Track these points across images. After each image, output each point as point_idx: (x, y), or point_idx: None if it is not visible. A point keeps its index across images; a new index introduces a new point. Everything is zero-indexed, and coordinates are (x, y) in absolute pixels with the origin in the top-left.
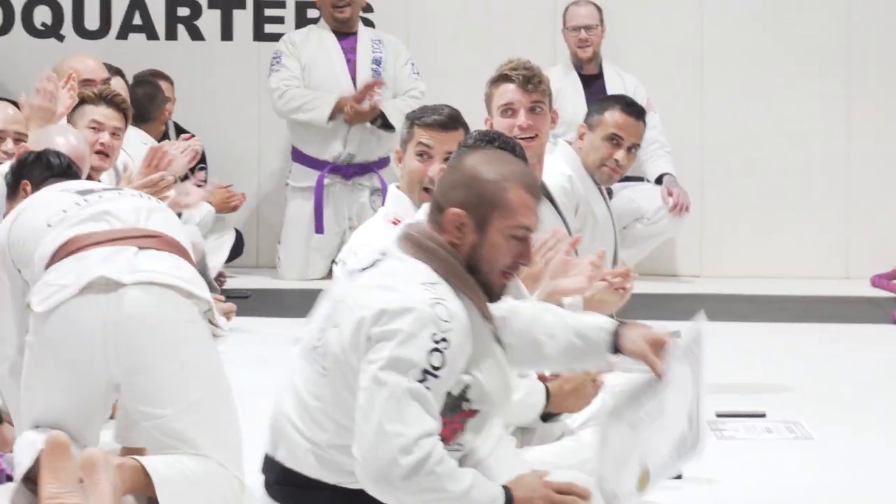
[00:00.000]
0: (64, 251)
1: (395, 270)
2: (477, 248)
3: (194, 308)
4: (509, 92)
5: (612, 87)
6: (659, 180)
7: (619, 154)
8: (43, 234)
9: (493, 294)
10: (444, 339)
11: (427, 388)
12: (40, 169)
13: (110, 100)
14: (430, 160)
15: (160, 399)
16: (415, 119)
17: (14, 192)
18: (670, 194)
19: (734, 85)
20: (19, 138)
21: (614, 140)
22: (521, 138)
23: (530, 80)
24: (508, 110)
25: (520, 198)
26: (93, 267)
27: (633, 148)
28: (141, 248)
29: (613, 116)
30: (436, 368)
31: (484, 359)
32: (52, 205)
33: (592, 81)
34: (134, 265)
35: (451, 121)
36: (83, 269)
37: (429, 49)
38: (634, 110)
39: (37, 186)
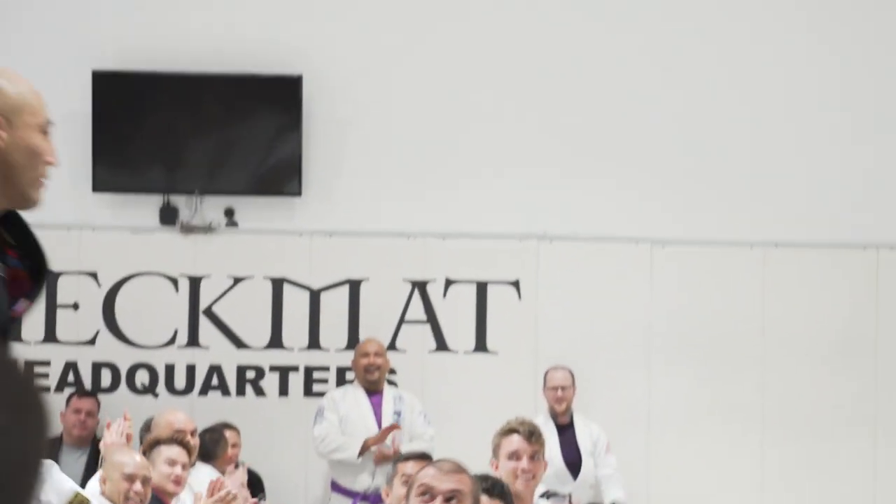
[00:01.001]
0: None
1: None
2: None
3: None
4: (515, 442)
5: (581, 433)
6: None
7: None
8: None
9: None
10: None
11: None
12: None
13: (179, 441)
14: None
15: None
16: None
17: None
18: None
19: (674, 441)
20: (146, 481)
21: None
22: (523, 478)
23: (533, 433)
24: (514, 456)
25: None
26: None
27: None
28: None
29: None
30: None
31: None
32: None
33: (565, 429)
34: None
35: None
36: None
37: (443, 403)
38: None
39: None
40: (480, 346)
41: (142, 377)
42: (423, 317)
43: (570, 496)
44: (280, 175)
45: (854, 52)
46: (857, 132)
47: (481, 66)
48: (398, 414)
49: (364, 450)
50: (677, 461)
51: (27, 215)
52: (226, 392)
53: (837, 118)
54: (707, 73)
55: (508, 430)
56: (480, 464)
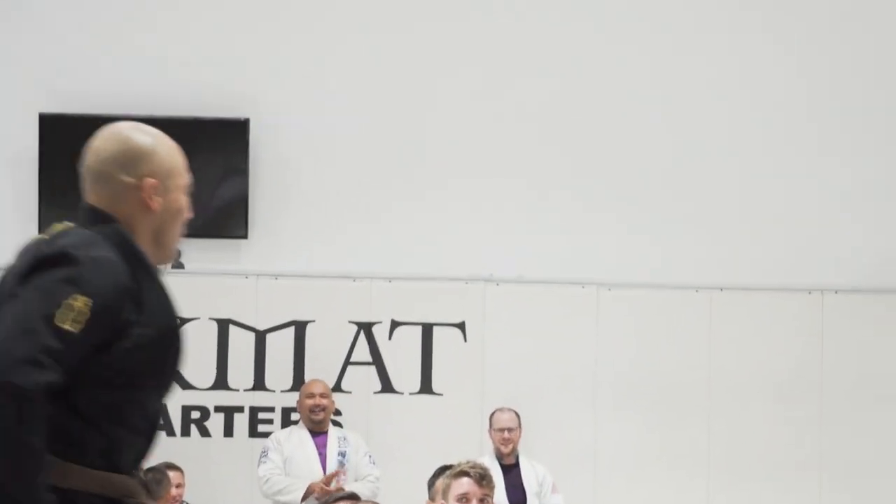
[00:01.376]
0: None
1: None
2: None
3: None
4: (466, 484)
5: (527, 474)
6: None
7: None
8: None
9: None
10: None
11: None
12: None
13: None
14: None
15: None
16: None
17: None
18: None
19: (621, 484)
20: None
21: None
22: None
23: (484, 477)
24: (463, 499)
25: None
26: None
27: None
28: None
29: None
30: None
31: None
32: None
33: (511, 470)
34: None
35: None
36: None
37: (388, 444)
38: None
39: None
40: (426, 387)
41: None
42: (369, 358)
43: None
44: (227, 217)
45: (796, 93)
46: (802, 175)
47: (425, 110)
48: (343, 455)
49: (307, 494)
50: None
51: None
52: (171, 433)
53: (782, 161)
54: (649, 119)
55: (460, 473)
56: None
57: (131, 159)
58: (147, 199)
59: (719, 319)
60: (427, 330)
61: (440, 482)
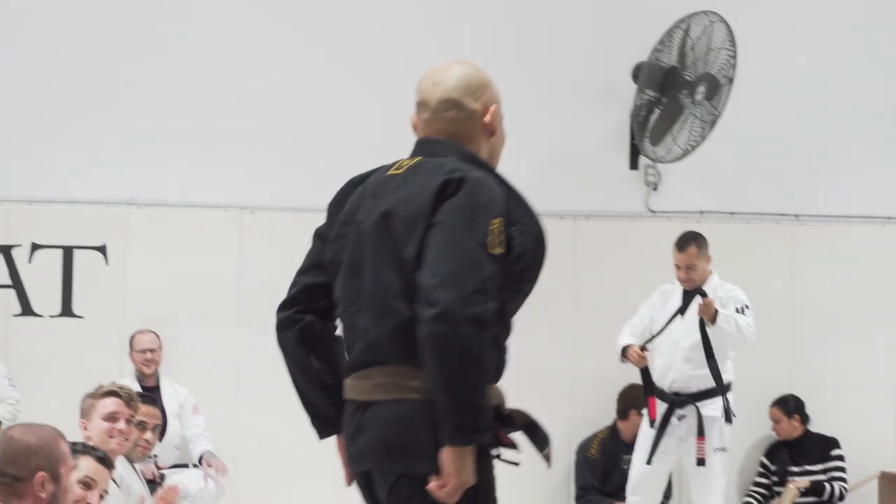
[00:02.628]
0: None
1: None
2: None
3: None
4: (112, 404)
5: (167, 396)
6: (200, 459)
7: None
8: None
9: None
10: None
11: None
12: None
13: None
14: None
15: None
16: None
17: None
18: (210, 465)
19: (263, 403)
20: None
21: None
22: (118, 438)
23: (132, 398)
24: (111, 418)
25: None
26: None
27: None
28: None
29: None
30: None
31: None
32: None
33: (151, 391)
34: None
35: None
36: None
37: (28, 367)
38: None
39: None
40: (66, 310)
41: None
42: (8, 281)
43: (155, 458)
44: None
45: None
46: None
47: (85, 29)
48: None
49: None
50: (266, 424)
51: None
52: None
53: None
54: (297, 48)
55: (108, 393)
56: (67, 426)
57: (477, 89)
58: (491, 123)
59: None
60: (68, 253)
61: (86, 402)
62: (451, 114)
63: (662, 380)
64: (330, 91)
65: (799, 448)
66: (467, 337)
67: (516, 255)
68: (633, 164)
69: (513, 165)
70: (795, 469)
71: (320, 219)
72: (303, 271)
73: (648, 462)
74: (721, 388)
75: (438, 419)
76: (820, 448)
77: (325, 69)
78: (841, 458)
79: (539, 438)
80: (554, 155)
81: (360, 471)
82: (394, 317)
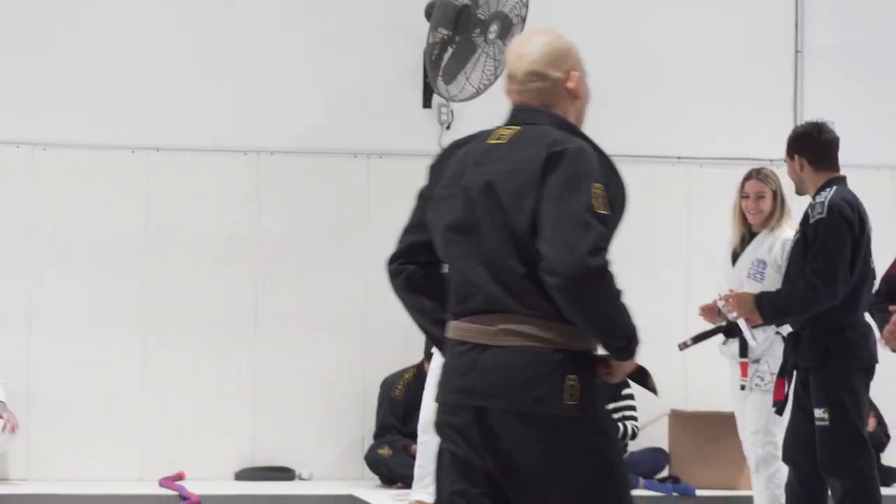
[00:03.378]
0: None
1: None
2: None
3: None
4: None
5: None
6: None
7: None
8: None
9: None
10: None
11: None
12: None
13: None
14: None
15: None
16: None
17: None
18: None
19: (57, 344)
20: None
21: None
22: None
23: None
24: None
25: None
26: None
27: None
28: None
29: None
30: None
31: None
32: None
33: None
34: None
35: None
36: None
37: None
38: None
39: None
40: None
41: None
42: None
43: None
44: None
45: None
46: (244, 41)
47: None
48: None
49: None
50: (59, 364)
51: None
52: None
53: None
54: None
55: None
56: None
57: (558, 58)
58: (575, 89)
59: (157, 180)
60: None
61: None
62: (536, 84)
63: None
64: None
65: None
66: (596, 290)
67: (615, 214)
68: (427, 103)
69: (306, 103)
70: None
71: (111, 157)
72: (408, 230)
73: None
74: None
75: (604, 348)
76: (612, 387)
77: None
78: (631, 396)
79: (643, 376)
80: (347, 94)
81: (468, 404)
82: (511, 273)
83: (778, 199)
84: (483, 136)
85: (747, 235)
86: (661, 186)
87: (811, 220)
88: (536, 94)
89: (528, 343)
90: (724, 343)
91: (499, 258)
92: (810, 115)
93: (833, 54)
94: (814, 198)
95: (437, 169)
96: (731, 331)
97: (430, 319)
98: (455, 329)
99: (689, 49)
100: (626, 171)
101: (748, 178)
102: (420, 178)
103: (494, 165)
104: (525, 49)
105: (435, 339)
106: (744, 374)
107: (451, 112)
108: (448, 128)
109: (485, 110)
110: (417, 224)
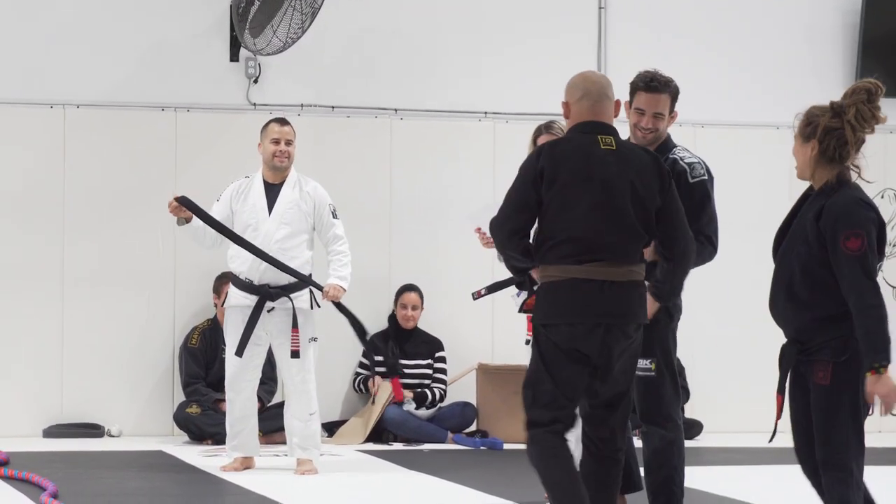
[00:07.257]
0: None
1: None
2: None
3: None
4: None
5: None
6: None
7: None
8: None
9: None
10: None
11: None
12: None
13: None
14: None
15: None
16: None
17: None
18: None
19: None
20: None
21: None
22: None
23: None
24: None
25: None
26: None
27: None
28: None
29: None
30: None
31: None
32: None
33: None
34: None
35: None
36: None
37: None
38: None
39: None
40: None
41: None
42: None
43: None
44: None
45: None
46: None
47: None
48: None
49: None
50: None
51: None
52: None
53: None
54: None
55: None
56: None
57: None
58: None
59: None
60: None
61: None
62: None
63: (252, 272)
64: None
65: (410, 340)
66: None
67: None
68: (234, 56)
69: (113, 56)
70: (408, 362)
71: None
72: (520, 210)
73: (239, 354)
74: (308, 281)
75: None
76: (429, 345)
77: None
78: (443, 359)
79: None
80: (154, 47)
81: (602, 322)
82: (637, 237)
83: None
84: (588, 140)
85: None
86: (465, 141)
87: None
88: (609, 114)
89: (639, 279)
90: (517, 295)
91: (633, 228)
92: (613, 70)
93: (635, 8)
94: None
95: (551, 166)
96: (522, 283)
97: (525, 269)
98: (583, 271)
99: (494, 3)
100: (434, 126)
101: (538, 133)
102: (227, 131)
103: (623, 166)
104: (598, 77)
105: (528, 279)
106: (530, 329)
107: (259, 65)
108: (255, 81)
109: (293, 64)
110: (525, 206)
